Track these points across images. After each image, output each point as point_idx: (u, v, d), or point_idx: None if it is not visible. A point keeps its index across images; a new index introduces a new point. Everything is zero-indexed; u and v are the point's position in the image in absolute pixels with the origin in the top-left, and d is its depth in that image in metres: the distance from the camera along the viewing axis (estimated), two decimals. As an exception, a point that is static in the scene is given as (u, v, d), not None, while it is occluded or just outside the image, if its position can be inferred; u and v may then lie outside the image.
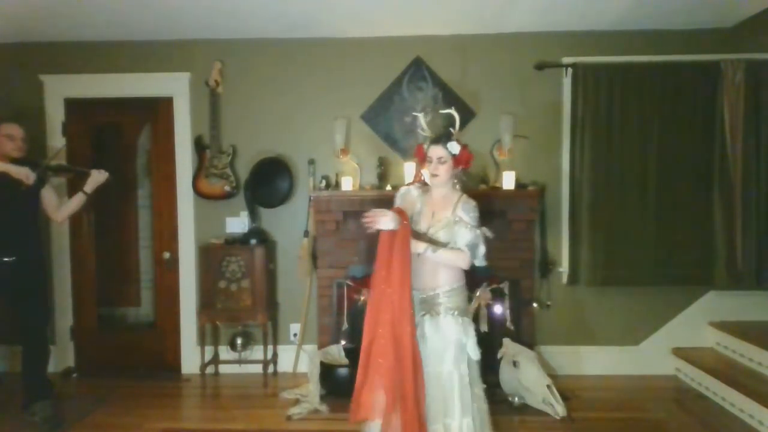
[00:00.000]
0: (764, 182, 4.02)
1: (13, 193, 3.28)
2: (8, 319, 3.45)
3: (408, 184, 2.78)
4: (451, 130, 2.63)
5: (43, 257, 3.62)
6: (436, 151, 2.55)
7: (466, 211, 2.54)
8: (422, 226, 2.57)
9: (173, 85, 4.30)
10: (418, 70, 4.21)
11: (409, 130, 4.16)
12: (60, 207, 3.58)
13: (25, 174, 3.26)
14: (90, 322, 4.45)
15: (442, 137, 2.60)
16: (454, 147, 2.56)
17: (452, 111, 2.71)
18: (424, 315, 2.54)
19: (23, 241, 3.39)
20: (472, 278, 3.84)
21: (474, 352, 2.55)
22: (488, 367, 3.83)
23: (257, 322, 4.16)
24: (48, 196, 3.53)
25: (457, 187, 2.64)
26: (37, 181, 3.32)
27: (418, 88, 4.21)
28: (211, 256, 4.14)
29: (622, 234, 4.06)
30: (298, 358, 4.33)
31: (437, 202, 2.61)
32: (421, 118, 2.78)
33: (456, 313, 2.52)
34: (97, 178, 3.51)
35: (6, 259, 3.30)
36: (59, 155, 3.88)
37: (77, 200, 3.56)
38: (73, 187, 3.77)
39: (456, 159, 2.57)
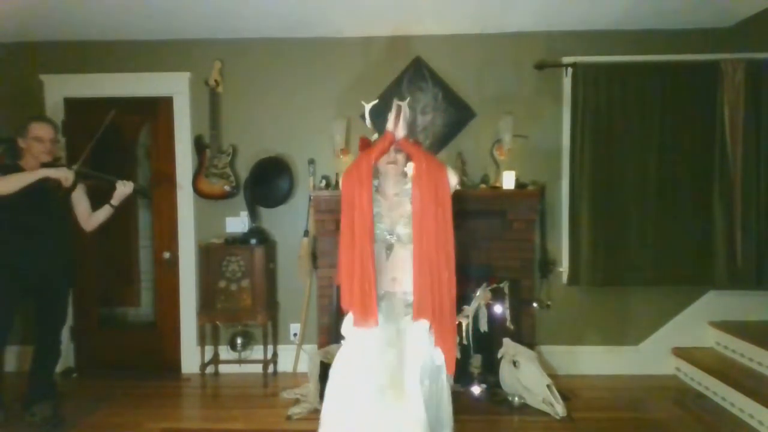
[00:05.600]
0: (764, 182, 4.02)
1: (51, 198, 3.24)
2: (24, 320, 3.43)
3: None
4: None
5: (73, 262, 3.56)
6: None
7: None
8: (386, 226, 2.44)
9: (173, 85, 4.30)
10: (418, 70, 4.21)
11: (409, 131, 4.15)
12: (91, 214, 3.50)
13: (63, 176, 3.19)
14: (90, 322, 4.45)
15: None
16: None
17: (404, 103, 2.53)
18: (408, 317, 2.39)
19: (57, 245, 3.36)
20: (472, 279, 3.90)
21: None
22: (488, 367, 3.87)
23: (257, 322, 4.16)
24: (80, 203, 3.46)
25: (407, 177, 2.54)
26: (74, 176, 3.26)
27: (418, 88, 4.21)
28: (211, 256, 4.14)
29: (622, 234, 4.06)
30: (298, 358, 4.33)
31: (391, 200, 2.49)
32: (366, 111, 2.66)
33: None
34: (122, 190, 3.44)
35: (40, 264, 3.26)
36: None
37: (105, 212, 3.49)
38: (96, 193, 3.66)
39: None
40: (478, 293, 3.67)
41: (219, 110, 4.27)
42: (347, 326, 2.44)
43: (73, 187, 3.33)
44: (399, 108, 2.36)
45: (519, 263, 4.10)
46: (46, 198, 3.24)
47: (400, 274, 2.42)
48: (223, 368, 4.36)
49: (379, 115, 2.64)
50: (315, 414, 3.49)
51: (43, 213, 3.26)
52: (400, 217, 2.45)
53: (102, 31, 4.07)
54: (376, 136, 2.58)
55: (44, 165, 3.26)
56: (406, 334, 2.36)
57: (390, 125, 2.34)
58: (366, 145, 2.57)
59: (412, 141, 2.51)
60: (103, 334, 4.49)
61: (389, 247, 2.42)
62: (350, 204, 2.34)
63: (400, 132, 2.33)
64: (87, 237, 4.36)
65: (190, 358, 4.33)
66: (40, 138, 3.25)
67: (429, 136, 4.21)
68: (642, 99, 4.03)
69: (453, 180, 2.37)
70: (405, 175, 2.55)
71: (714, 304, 4.22)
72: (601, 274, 4.08)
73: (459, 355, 2.60)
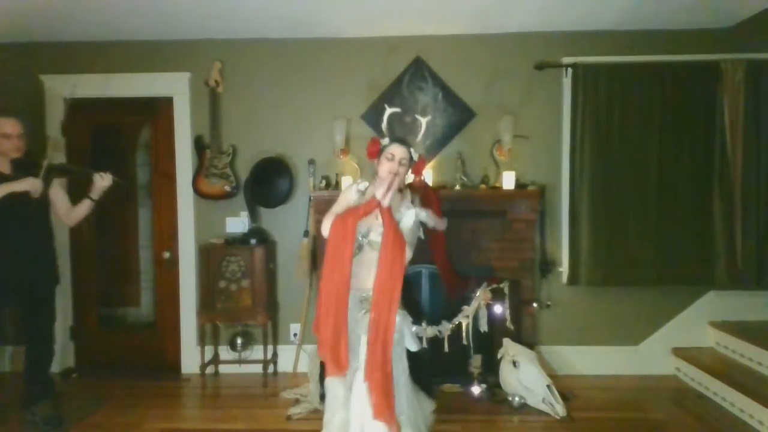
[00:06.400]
0: (764, 182, 4.02)
1: (24, 207, 3.15)
2: (15, 320, 3.41)
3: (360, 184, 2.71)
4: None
5: (55, 261, 3.51)
6: (400, 151, 2.55)
7: (410, 208, 2.59)
8: (361, 229, 2.54)
9: (173, 85, 4.30)
10: (418, 70, 4.21)
11: (410, 131, 4.17)
12: (71, 209, 3.41)
13: (31, 186, 3.11)
14: (90, 322, 4.46)
15: (407, 140, 2.66)
16: (416, 154, 2.62)
17: (423, 120, 2.89)
18: (365, 313, 2.54)
19: (37, 247, 3.31)
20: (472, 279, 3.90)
21: (412, 345, 2.63)
22: (488, 367, 3.87)
23: (257, 322, 4.16)
24: (58, 198, 3.38)
25: (406, 193, 2.67)
26: (42, 183, 3.18)
27: (418, 88, 4.22)
28: (211, 256, 4.14)
29: (622, 234, 4.06)
30: (298, 358, 4.33)
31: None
32: (386, 116, 2.75)
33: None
34: (101, 183, 3.33)
35: (21, 267, 3.21)
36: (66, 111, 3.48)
37: (85, 207, 3.40)
38: (77, 187, 3.64)
39: (414, 166, 2.63)
40: (478, 293, 3.67)
41: (219, 110, 4.27)
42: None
43: (47, 184, 3.23)
44: (391, 181, 2.46)
45: (519, 263, 4.10)
46: (21, 202, 3.13)
47: (364, 273, 2.51)
48: (223, 368, 4.36)
49: (378, 115, 2.71)
50: (315, 414, 3.50)
51: (20, 218, 3.17)
52: (379, 227, 2.52)
53: (102, 31, 4.07)
54: (387, 140, 2.61)
55: (14, 162, 3.17)
56: (360, 324, 2.52)
57: (379, 194, 2.42)
58: (376, 146, 2.63)
59: (418, 158, 2.64)
60: (103, 334, 4.49)
61: (359, 247, 2.54)
62: (333, 252, 2.45)
63: (386, 202, 2.42)
64: (87, 237, 4.41)
65: (190, 358, 4.33)
66: (7, 134, 3.14)
67: (429, 136, 4.21)
68: (642, 99, 4.03)
69: (408, 255, 2.50)
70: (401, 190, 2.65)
71: (714, 304, 4.22)
72: (601, 274, 4.08)
73: (414, 347, 2.68)
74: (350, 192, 2.64)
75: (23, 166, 3.19)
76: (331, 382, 2.59)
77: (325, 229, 2.54)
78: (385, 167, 2.55)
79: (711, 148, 4.03)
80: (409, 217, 2.57)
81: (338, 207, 2.60)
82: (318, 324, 2.52)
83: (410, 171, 2.68)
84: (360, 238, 2.53)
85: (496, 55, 4.20)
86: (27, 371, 3.40)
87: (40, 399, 3.37)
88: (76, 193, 3.52)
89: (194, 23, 3.94)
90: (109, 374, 4.28)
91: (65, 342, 4.39)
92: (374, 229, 2.54)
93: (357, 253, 2.52)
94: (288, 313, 4.39)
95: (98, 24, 3.91)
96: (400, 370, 2.58)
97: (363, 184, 2.65)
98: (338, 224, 2.47)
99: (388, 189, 2.42)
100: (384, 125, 2.69)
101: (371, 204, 2.45)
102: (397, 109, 2.83)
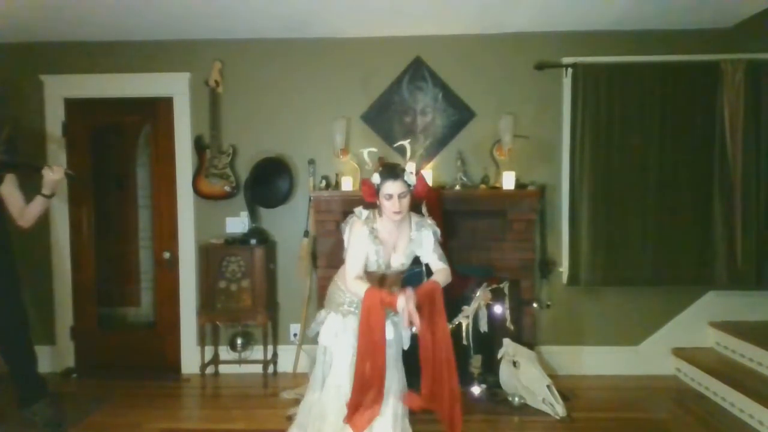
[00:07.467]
0: (764, 182, 4.02)
1: None
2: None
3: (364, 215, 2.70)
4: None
5: (9, 260, 3.23)
6: (395, 187, 2.49)
7: (427, 228, 2.69)
8: (391, 262, 2.64)
9: (173, 85, 4.30)
10: (418, 70, 4.21)
11: (409, 131, 4.18)
12: (25, 208, 3.17)
13: None
14: (90, 322, 4.45)
15: (397, 171, 2.55)
16: (412, 178, 2.56)
17: (406, 143, 3.06)
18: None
19: None
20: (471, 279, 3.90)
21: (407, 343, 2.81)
22: (488, 367, 3.87)
23: (257, 323, 4.16)
24: (10, 196, 3.14)
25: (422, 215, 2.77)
26: None
27: (418, 88, 4.22)
28: (211, 256, 4.14)
29: (622, 234, 4.06)
30: (298, 358, 4.33)
31: (393, 233, 2.64)
32: (365, 154, 2.82)
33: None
34: (51, 177, 3.08)
35: None
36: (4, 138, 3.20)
37: (38, 205, 3.16)
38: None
39: (415, 190, 2.58)
40: (478, 293, 3.66)
41: (219, 110, 4.27)
42: (327, 335, 2.72)
43: None
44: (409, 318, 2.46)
45: (519, 263, 4.10)
46: None
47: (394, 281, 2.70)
48: (223, 368, 4.36)
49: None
50: (315, 414, 3.50)
51: None
52: (400, 256, 2.68)
53: (102, 31, 4.07)
54: (377, 177, 2.59)
55: None
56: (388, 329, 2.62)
57: (402, 314, 2.42)
58: (370, 188, 2.59)
59: (416, 178, 2.64)
60: (103, 334, 4.49)
61: (382, 277, 2.70)
62: (366, 337, 2.50)
63: (418, 323, 2.48)
64: (87, 237, 4.41)
65: (190, 358, 4.33)
66: None
67: (429, 136, 4.21)
68: (642, 99, 4.03)
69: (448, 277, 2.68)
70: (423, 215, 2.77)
71: (714, 304, 4.22)
72: (601, 274, 4.08)
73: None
74: (362, 236, 2.59)
75: None
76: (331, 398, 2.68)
77: (353, 286, 2.55)
78: (387, 208, 2.53)
79: (711, 147, 4.03)
80: (434, 246, 2.70)
81: (358, 259, 2.59)
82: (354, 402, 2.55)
83: (417, 195, 2.64)
84: (382, 268, 2.66)
85: (496, 55, 4.20)
86: (13, 375, 3.33)
87: (36, 399, 3.33)
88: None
89: (194, 23, 3.94)
90: (109, 374, 4.28)
91: (65, 342, 4.40)
92: (394, 258, 2.67)
93: (384, 279, 2.69)
94: (288, 313, 4.39)
95: (98, 24, 3.91)
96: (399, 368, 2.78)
97: (371, 223, 2.61)
98: (365, 315, 2.48)
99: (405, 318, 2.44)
100: (368, 166, 2.73)
101: (393, 305, 2.44)
102: (374, 149, 3.07)
